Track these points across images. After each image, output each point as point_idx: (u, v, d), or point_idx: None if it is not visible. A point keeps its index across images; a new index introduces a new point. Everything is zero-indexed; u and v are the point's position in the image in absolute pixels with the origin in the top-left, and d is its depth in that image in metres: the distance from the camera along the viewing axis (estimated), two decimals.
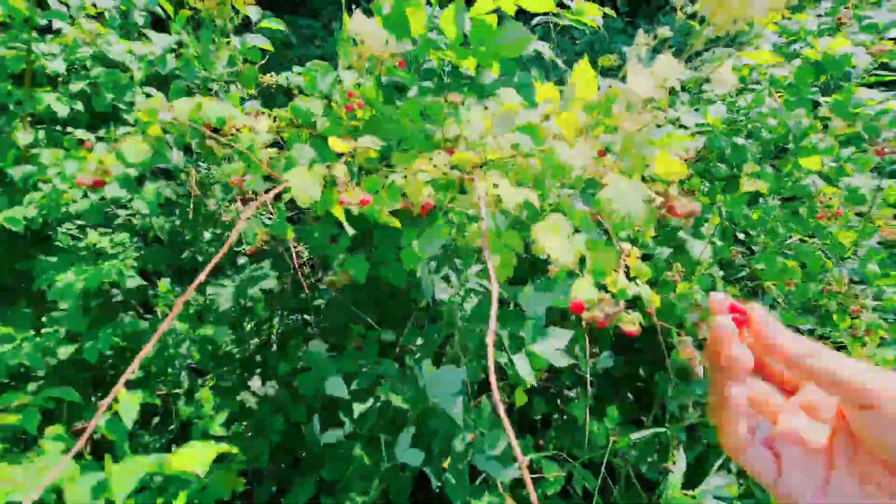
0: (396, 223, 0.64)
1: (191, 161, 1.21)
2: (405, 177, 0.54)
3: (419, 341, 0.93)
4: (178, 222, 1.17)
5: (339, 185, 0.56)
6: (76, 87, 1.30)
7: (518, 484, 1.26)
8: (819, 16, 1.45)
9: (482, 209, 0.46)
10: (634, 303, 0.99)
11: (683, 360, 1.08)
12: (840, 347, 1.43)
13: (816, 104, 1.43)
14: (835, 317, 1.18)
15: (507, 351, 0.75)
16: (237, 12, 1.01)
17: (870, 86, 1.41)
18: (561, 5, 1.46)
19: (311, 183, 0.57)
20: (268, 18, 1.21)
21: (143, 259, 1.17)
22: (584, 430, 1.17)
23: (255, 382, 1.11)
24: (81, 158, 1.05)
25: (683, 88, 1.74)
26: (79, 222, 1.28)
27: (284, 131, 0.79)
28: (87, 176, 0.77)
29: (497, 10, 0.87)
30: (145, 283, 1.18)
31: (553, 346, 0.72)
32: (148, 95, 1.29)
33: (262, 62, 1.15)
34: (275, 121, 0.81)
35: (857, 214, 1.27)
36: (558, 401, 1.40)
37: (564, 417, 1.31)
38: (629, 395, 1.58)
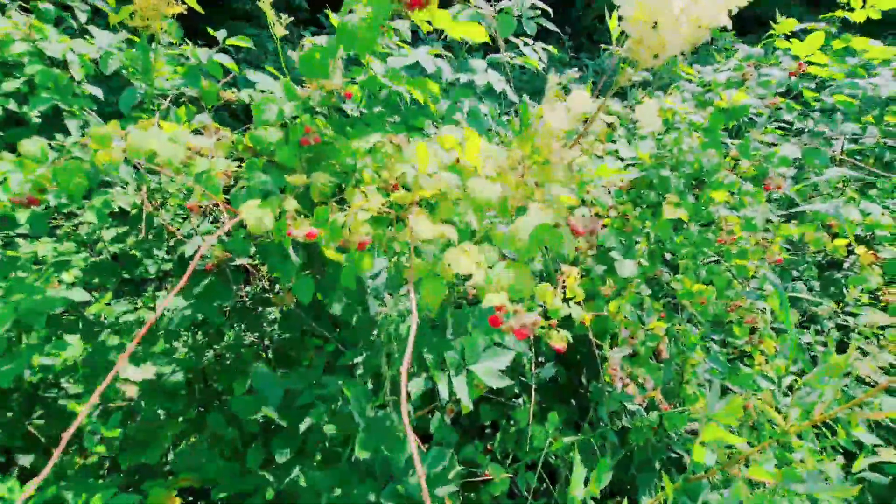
0: (340, 258, 0.69)
1: (139, 176, 1.17)
2: (346, 216, 0.60)
3: (362, 356, 0.95)
4: (128, 237, 1.14)
5: (288, 220, 0.62)
6: (10, 85, 1.23)
7: (467, 486, 1.34)
8: (727, 70, 1.70)
9: (409, 244, 0.54)
10: (568, 321, 1.11)
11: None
12: (744, 354, 1.66)
13: (726, 145, 1.67)
14: (735, 329, 1.37)
15: (448, 369, 0.80)
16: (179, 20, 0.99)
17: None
18: (513, 45, 1.60)
19: (264, 215, 0.62)
20: (234, 37, 1.21)
21: (88, 272, 1.13)
22: (528, 434, 1.27)
23: None
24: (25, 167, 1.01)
25: (622, 124, 1.94)
26: (20, 231, 1.21)
27: (242, 157, 0.82)
28: (22, 195, 0.75)
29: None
30: (90, 298, 1.14)
31: (494, 367, 0.79)
32: (93, 97, 1.24)
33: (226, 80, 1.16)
34: (234, 146, 0.84)
35: (755, 242, 1.49)
36: (505, 408, 1.50)
37: (512, 423, 1.41)
38: (573, 401, 1.71)
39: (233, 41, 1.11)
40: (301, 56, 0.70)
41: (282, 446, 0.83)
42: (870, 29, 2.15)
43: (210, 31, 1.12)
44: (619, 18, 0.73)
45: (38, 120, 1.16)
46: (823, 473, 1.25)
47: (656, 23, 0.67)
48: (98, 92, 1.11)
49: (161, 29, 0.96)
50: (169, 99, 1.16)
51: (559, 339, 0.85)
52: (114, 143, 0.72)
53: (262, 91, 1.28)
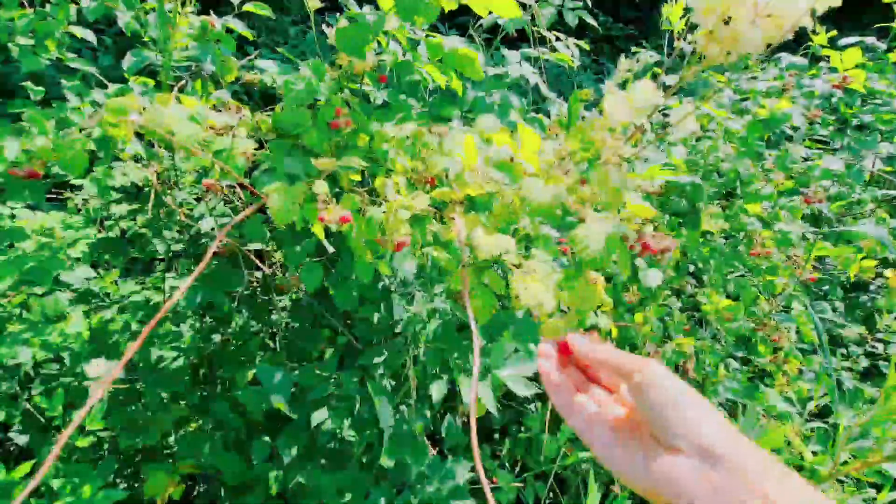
0: (370, 256, 0.64)
1: (150, 152, 1.10)
2: (385, 213, 0.55)
3: (383, 356, 0.90)
4: (138, 214, 1.09)
5: (320, 205, 0.56)
6: None
7: (472, 493, 1.29)
8: (767, 79, 1.62)
9: (463, 253, 0.48)
10: (595, 330, 1.05)
11: None
12: (764, 374, 1.60)
13: (761, 156, 1.60)
14: (760, 347, 1.31)
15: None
16: None
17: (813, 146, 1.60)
18: (542, 41, 1.54)
19: (290, 201, 0.56)
20: (251, 2, 1.14)
21: (95, 248, 1.08)
22: (540, 443, 1.22)
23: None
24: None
25: (652, 129, 1.88)
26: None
27: (265, 137, 0.77)
28: (21, 168, 0.70)
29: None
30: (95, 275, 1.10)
31: (519, 373, 0.75)
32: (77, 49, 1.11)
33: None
34: (257, 127, 0.79)
35: (787, 257, 1.43)
36: (517, 413, 1.45)
37: (523, 429, 1.36)
38: None
39: (249, 7, 1.04)
40: (338, 29, 0.65)
41: (288, 444, 0.79)
42: None
43: (250, 6, 1.05)
44: (686, 10, 0.67)
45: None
46: None
47: (729, 17, 0.61)
48: (89, 35, 0.97)
49: None
50: (189, 73, 1.10)
51: None
52: (130, 118, 0.66)
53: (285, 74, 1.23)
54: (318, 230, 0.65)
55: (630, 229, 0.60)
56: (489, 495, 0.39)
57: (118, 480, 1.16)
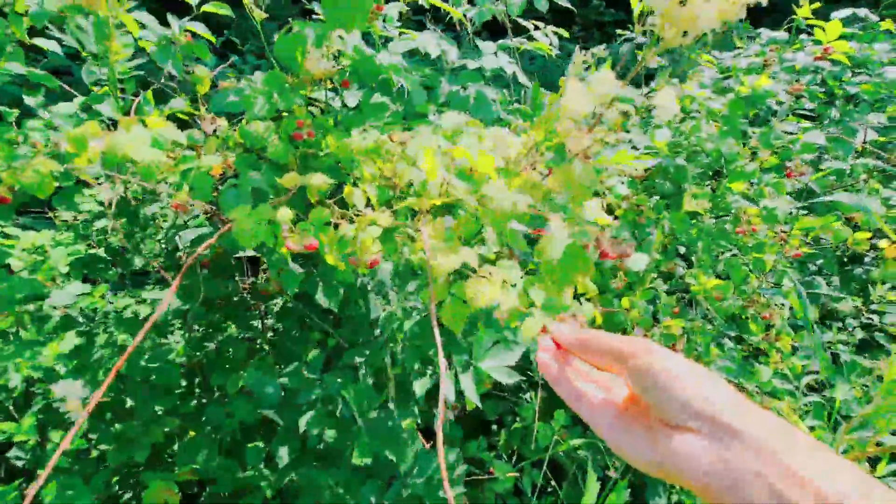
0: (342, 266, 0.63)
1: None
2: (354, 230, 0.54)
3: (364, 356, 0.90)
4: (112, 228, 1.08)
5: (284, 233, 0.56)
6: None
7: (471, 484, 1.29)
8: (748, 55, 1.60)
9: (429, 269, 0.48)
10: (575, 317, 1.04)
11: None
12: (759, 352, 1.58)
13: (745, 134, 1.57)
14: (751, 325, 1.30)
15: (455, 367, 0.76)
16: None
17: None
18: (522, 30, 1.52)
19: (254, 223, 0.56)
20: (211, 2, 1.05)
21: (75, 266, 1.08)
22: (534, 432, 1.22)
23: None
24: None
25: (637, 113, 1.85)
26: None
27: (234, 152, 0.76)
28: None
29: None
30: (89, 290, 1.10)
31: (502, 364, 0.74)
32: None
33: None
34: (225, 141, 0.78)
35: (774, 233, 1.41)
36: (511, 404, 1.45)
37: (517, 420, 1.36)
38: None
39: (208, 8, 1.01)
40: (279, 39, 0.64)
41: (280, 448, 0.79)
42: None
43: (209, 6, 1.01)
44: None
45: None
46: None
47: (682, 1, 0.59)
48: (54, 46, 0.93)
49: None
50: (138, 84, 1.03)
51: None
52: (91, 145, 0.66)
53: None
54: (285, 253, 0.64)
55: (593, 232, 0.58)
56: (447, 488, 0.38)
57: (120, 491, 1.17)
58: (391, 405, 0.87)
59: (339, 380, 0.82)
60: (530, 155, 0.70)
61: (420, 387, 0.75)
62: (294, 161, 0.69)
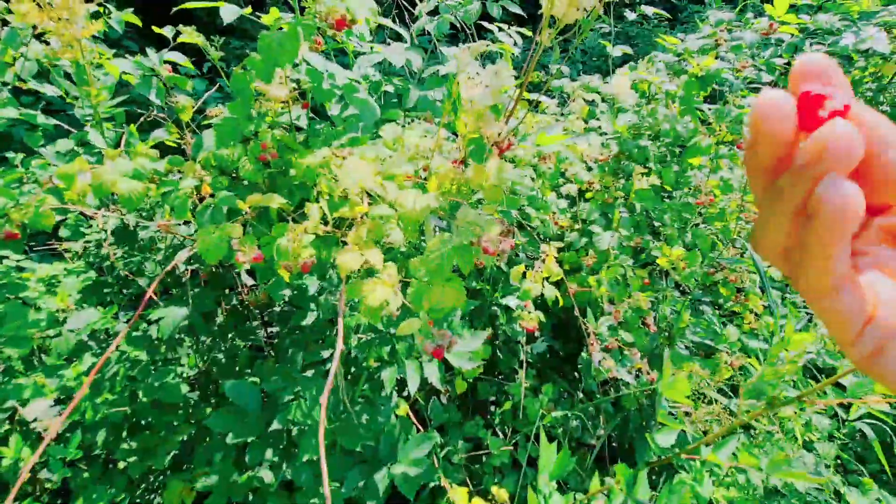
0: (286, 276, 0.67)
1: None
2: (289, 240, 0.58)
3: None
4: (112, 254, 1.13)
5: (234, 246, 0.60)
6: None
7: (469, 461, 1.34)
8: (700, 37, 1.62)
9: (343, 278, 0.51)
10: (541, 299, 1.08)
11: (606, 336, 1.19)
12: (735, 314, 1.62)
13: (703, 112, 1.60)
14: (721, 289, 1.34)
15: (420, 356, 0.78)
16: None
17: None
18: (485, 30, 1.55)
19: (217, 242, 0.60)
20: (185, 33, 1.13)
21: (84, 293, 1.13)
22: (525, 407, 1.26)
23: None
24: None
25: (603, 100, 1.88)
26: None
27: (210, 174, 0.79)
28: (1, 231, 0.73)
29: None
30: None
31: (465, 350, 0.77)
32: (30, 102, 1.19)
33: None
34: (203, 164, 0.82)
35: (737, 205, 1.44)
36: (503, 384, 1.49)
37: (509, 397, 1.40)
38: (575, 373, 1.70)
39: (184, 38, 1.04)
40: (233, 77, 0.68)
41: (261, 450, 0.81)
42: None
43: (155, 29, 1.05)
44: None
45: None
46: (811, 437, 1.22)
47: None
48: (50, 90, 0.98)
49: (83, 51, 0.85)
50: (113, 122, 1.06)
51: (531, 320, 0.83)
52: (79, 179, 0.70)
53: None
54: (238, 266, 0.68)
55: (475, 236, 0.59)
56: (326, 485, 0.42)
57: (143, 493, 1.22)
58: (363, 400, 0.90)
59: (308, 378, 0.85)
60: (458, 149, 0.72)
61: (387, 376, 0.78)
62: (264, 181, 0.73)
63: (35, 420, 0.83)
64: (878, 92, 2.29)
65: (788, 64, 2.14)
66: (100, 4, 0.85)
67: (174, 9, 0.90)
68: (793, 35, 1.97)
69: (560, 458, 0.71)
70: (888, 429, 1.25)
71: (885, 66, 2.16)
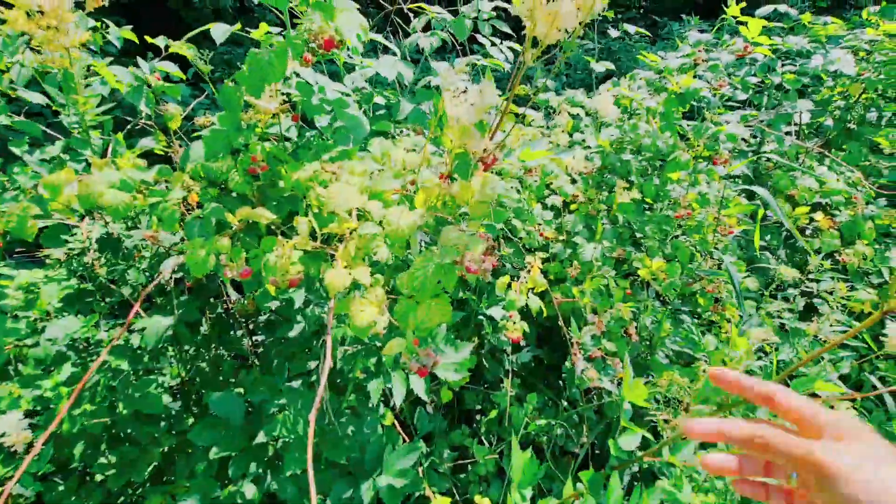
0: (272, 290, 0.67)
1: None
2: (277, 256, 0.58)
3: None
4: (96, 262, 1.11)
5: (223, 261, 0.60)
6: None
7: (456, 470, 1.33)
8: (680, 56, 1.68)
9: (331, 295, 0.51)
10: (527, 309, 1.09)
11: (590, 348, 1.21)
12: (711, 323, 1.66)
13: (681, 127, 1.66)
14: (699, 299, 1.37)
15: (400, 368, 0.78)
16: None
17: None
18: (477, 43, 1.58)
19: (206, 254, 0.60)
20: (175, 45, 1.12)
21: (66, 302, 1.10)
22: (510, 416, 1.27)
23: None
24: None
25: (587, 114, 1.93)
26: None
27: (200, 185, 0.79)
28: None
29: None
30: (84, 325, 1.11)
31: (450, 361, 0.77)
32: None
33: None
34: (192, 175, 0.81)
35: (714, 218, 1.48)
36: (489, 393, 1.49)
37: (495, 406, 1.41)
38: (560, 381, 1.71)
39: (181, 49, 1.04)
40: (221, 91, 0.68)
41: (246, 464, 0.80)
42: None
43: (149, 39, 1.04)
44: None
45: None
46: None
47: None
48: (37, 98, 0.95)
49: (72, 60, 0.83)
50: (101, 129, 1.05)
51: (515, 330, 0.84)
52: (66, 189, 0.69)
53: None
54: (225, 280, 0.68)
55: (457, 256, 0.59)
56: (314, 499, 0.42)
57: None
58: (350, 412, 0.89)
59: (292, 389, 0.84)
60: (445, 164, 0.73)
61: (374, 388, 0.78)
62: (253, 193, 0.73)
63: (3, 434, 0.80)
64: (846, 111, 2.39)
65: (762, 82, 2.23)
66: (97, 20, 0.84)
67: (182, 40, 0.90)
68: (766, 56, 2.06)
69: (526, 466, 0.71)
70: None
71: (852, 86, 2.26)
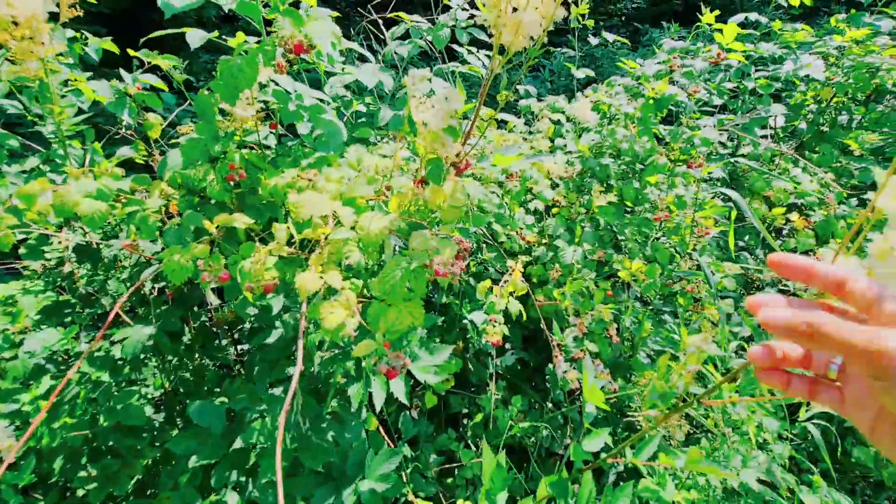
0: (250, 296, 0.68)
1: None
2: (252, 262, 0.58)
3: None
4: (74, 273, 1.09)
5: (200, 265, 0.60)
6: None
7: (443, 474, 1.33)
8: (656, 63, 1.73)
9: (302, 298, 0.52)
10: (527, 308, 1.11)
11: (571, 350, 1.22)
12: (687, 323, 1.69)
13: (658, 131, 1.69)
14: (679, 299, 1.40)
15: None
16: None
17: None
18: (456, 55, 1.60)
19: (182, 262, 0.60)
20: (152, 56, 1.10)
21: (44, 314, 1.08)
22: (495, 419, 1.27)
23: None
24: None
25: (569, 119, 1.96)
26: None
27: (178, 193, 0.79)
28: None
29: None
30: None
31: (430, 364, 0.78)
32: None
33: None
34: (170, 183, 0.81)
35: (692, 220, 1.52)
36: (474, 396, 1.50)
37: (480, 409, 1.41)
38: (546, 383, 1.72)
39: (157, 60, 1.05)
40: (196, 99, 0.69)
41: (225, 471, 0.79)
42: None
43: (130, 52, 1.05)
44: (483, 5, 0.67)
45: None
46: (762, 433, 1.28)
47: (515, 8, 0.62)
48: (14, 109, 0.97)
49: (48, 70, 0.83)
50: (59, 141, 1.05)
51: (495, 334, 0.85)
52: (40, 199, 0.69)
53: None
54: (203, 285, 0.68)
55: (427, 259, 0.60)
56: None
57: None
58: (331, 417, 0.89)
59: (277, 394, 0.84)
60: (419, 169, 0.74)
61: (354, 392, 0.78)
62: (232, 200, 0.73)
63: None
64: (819, 114, 2.47)
65: (737, 87, 2.29)
66: (77, 30, 0.84)
67: (143, 39, 0.90)
68: (740, 62, 2.12)
69: (495, 474, 0.72)
70: (833, 428, 1.32)
71: (823, 90, 2.34)
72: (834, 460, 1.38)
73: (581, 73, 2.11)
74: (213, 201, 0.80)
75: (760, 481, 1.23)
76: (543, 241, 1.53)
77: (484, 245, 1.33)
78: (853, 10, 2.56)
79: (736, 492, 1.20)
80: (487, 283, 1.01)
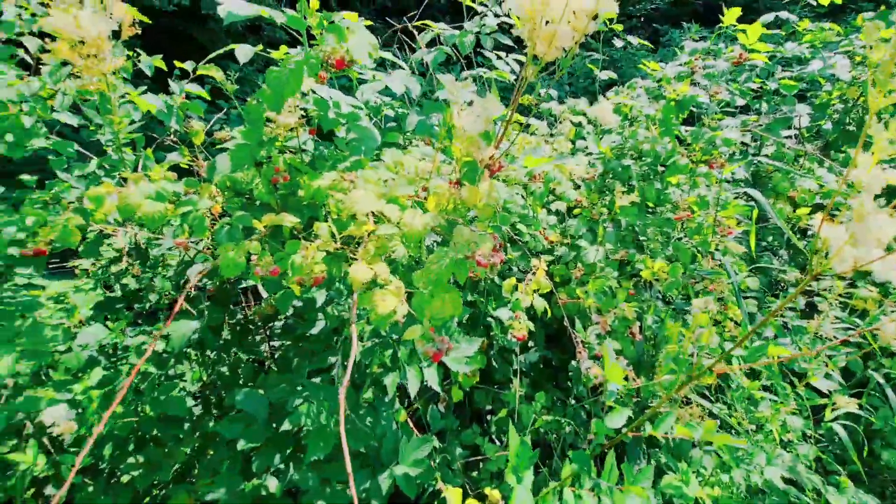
0: (297, 289, 0.72)
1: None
2: (303, 256, 0.63)
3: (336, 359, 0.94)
4: (129, 271, 1.17)
5: (253, 260, 0.65)
6: None
7: (468, 467, 1.36)
8: (677, 64, 1.73)
9: (354, 289, 0.56)
10: (533, 310, 1.13)
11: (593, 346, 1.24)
12: (716, 322, 1.68)
13: (680, 132, 1.70)
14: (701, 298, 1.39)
15: (421, 362, 0.82)
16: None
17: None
18: (483, 58, 1.64)
19: (236, 257, 0.65)
20: (203, 68, 1.22)
21: (96, 309, 1.16)
22: (520, 414, 1.30)
23: None
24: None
25: (589, 122, 1.98)
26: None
27: (226, 196, 0.84)
28: (30, 248, 0.78)
29: None
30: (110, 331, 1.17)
31: (461, 355, 0.81)
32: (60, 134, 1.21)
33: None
34: (218, 186, 0.87)
35: (714, 220, 1.52)
36: (499, 392, 1.52)
37: (504, 405, 1.43)
38: (569, 381, 1.74)
39: (211, 72, 1.12)
40: (246, 108, 0.74)
41: (270, 457, 0.84)
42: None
43: (178, 63, 1.13)
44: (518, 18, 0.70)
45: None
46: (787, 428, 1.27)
47: (548, 21, 0.64)
48: (73, 120, 1.05)
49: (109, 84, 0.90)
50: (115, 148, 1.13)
51: (520, 329, 0.88)
52: (107, 201, 0.75)
53: None
54: (255, 279, 0.73)
55: (469, 251, 0.64)
56: (352, 485, 0.47)
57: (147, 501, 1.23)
58: (368, 406, 0.93)
59: (314, 385, 0.88)
60: (454, 171, 0.78)
61: (390, 382, 0.82)
62: (276, 201, 0.78)
63: (53, 424, 0.85)
64: (845, 113, 2.41)
65: (760, 87, 2.27)
66: (131, 49, 0.91)
67: (207, 58, 0.97)
68: (764, 63, 2.10)
69: (518, 448, 0.75)
70: (860, 430, 1.31)
71: (849, 89, 2.29)
72: (861, 462, 1.36)
73: (605, 75, 2.12)
74: (257, 202, 0.85)
75: (786, 480, 1.22)
76: (565, 240, 1.55)
77: (508, 245, 1.36)
78: (883, 8, 2.50)
79: (761, 490, 1.20)
80: (512, 280, 1.04)
